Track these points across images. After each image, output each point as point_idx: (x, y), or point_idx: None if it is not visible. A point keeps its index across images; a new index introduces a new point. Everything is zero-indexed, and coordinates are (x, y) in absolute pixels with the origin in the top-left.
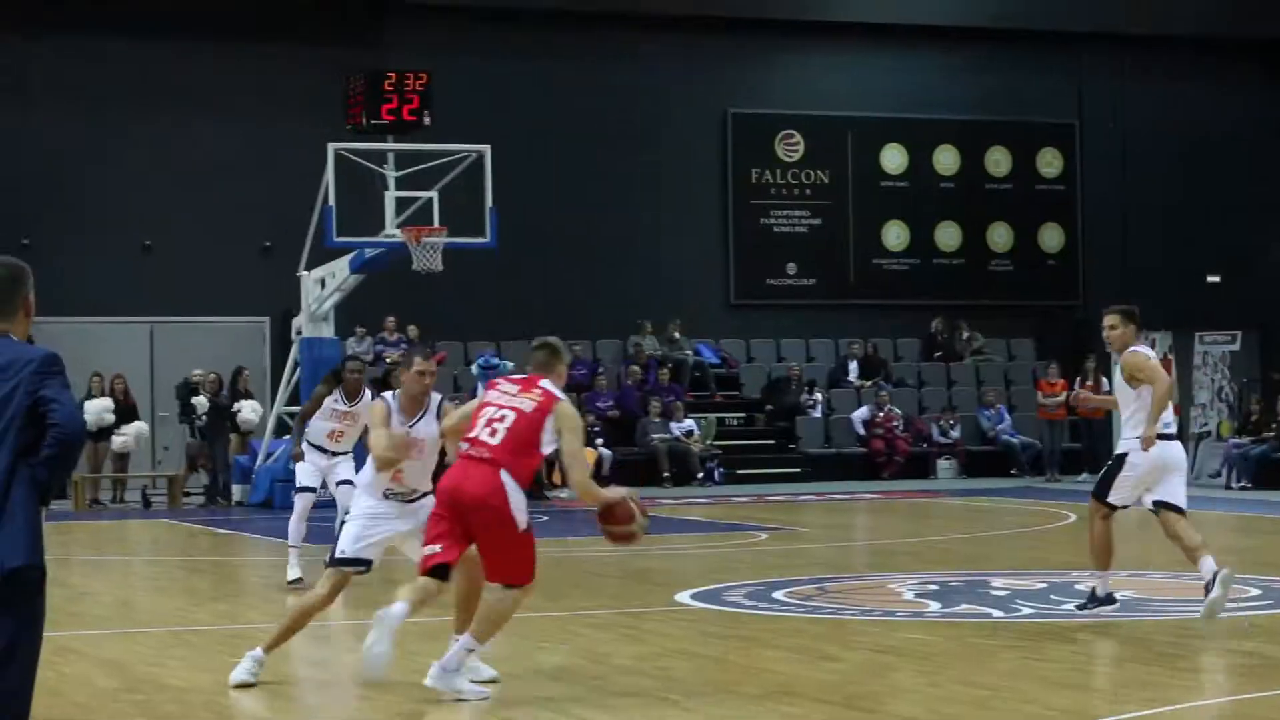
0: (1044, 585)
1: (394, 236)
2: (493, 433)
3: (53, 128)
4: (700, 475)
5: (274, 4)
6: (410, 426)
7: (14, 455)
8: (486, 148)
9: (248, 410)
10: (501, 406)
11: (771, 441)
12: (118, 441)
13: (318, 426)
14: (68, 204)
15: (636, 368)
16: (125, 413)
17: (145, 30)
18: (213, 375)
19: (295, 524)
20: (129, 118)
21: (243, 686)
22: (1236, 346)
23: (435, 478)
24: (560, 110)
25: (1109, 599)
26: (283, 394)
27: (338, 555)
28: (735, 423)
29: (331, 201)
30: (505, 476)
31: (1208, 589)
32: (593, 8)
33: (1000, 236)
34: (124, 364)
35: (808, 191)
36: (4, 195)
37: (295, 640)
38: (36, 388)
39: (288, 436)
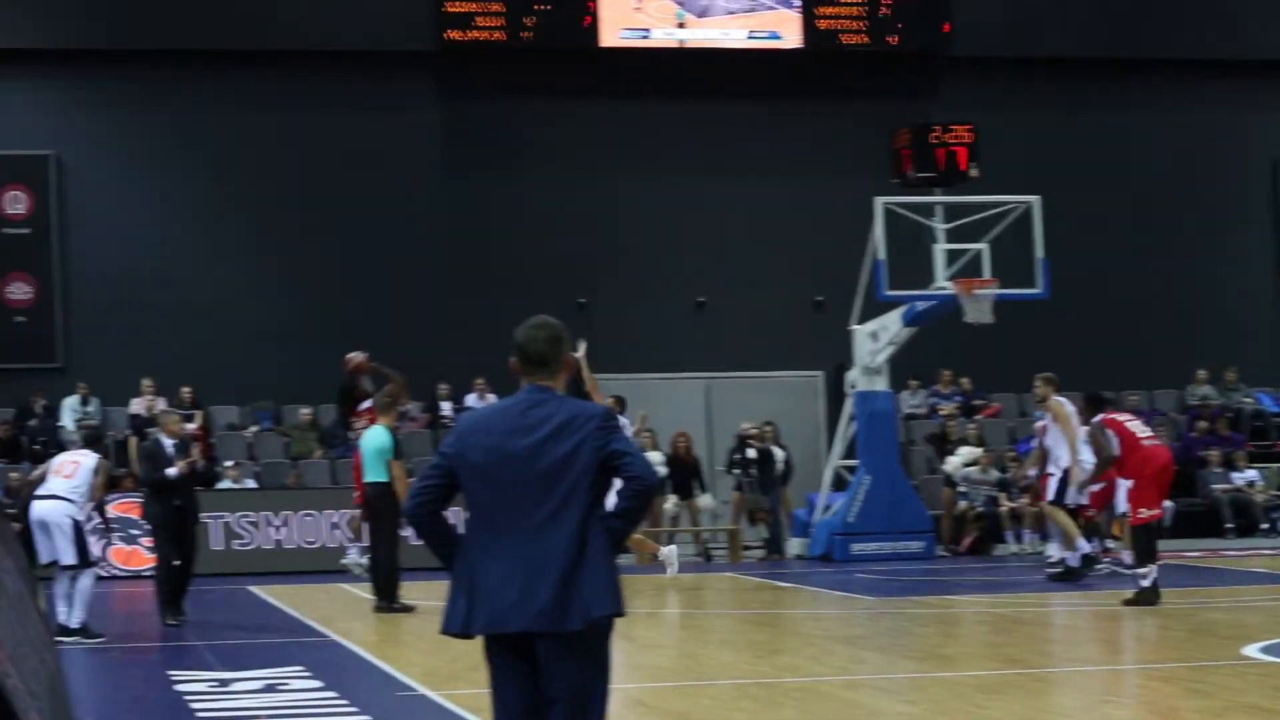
0: None
1: (945, 289)
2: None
3: (607, 189)
4: (1264, 526)
5: (824, 63)
6: None
7: (588, 507)
8: (1036, 199)
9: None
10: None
11: None
12: (701, 503)
13: None
14: (622, 264)
15: (1204, 422)
16: (688, 470)
17: (699, 93)
18: (766, 426)
19: None
20: (681, 177)
21: None
22: None
23: None
24: (1107, 159)
25: None
26: (838, 448)
27: None
28: None
29: (881, 255)
30: None
31: None
32: (1137, 55)
33: None
34: (680, 420)
35: None
36: (561, 256)
37: None
38: (604, 443)
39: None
